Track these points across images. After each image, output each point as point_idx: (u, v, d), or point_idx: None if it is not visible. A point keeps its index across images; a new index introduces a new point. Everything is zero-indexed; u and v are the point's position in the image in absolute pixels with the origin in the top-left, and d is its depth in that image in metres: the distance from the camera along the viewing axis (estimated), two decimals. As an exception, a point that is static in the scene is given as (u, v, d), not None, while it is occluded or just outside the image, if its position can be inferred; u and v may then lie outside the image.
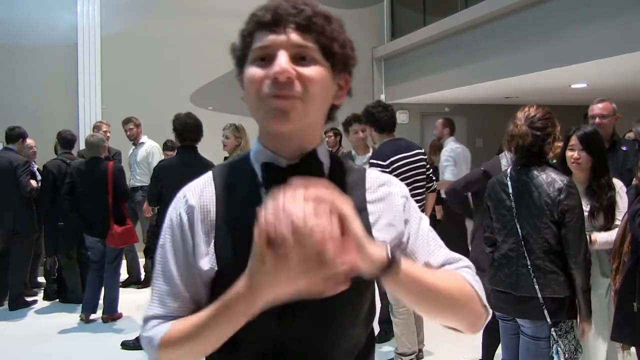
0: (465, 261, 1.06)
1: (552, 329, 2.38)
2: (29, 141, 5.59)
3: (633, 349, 2.77)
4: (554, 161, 2.89)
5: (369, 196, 1.04)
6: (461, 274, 1.01)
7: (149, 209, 5.23)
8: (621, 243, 2.69)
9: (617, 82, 6.56)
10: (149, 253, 5.55)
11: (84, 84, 7.28)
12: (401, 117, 8.95)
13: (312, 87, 0.91)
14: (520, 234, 2.45)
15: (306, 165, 0.98)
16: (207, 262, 0.97)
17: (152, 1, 7.60)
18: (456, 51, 7.00)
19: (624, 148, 3.55)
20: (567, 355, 2.35)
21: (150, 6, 7.57)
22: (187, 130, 3.98)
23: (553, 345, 2.40)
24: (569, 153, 2.80)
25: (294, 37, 0.91)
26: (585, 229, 2.45)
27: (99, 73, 7.33)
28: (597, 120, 3.54)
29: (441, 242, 1.07)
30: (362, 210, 1.00)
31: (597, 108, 3.59)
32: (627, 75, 6.03)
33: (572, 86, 6.94)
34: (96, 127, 5.98)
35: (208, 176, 1.04)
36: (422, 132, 9.14)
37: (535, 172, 2.43)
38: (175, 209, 1.02)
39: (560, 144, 3.44)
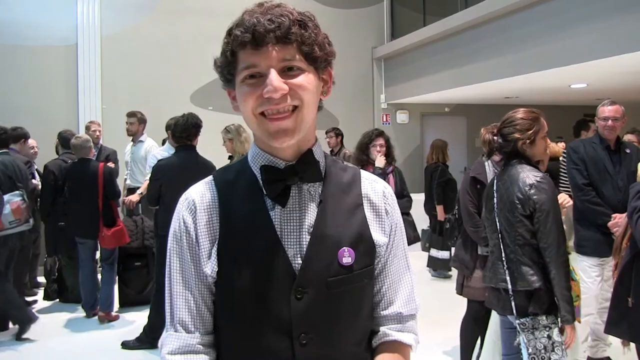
0: (410, 325, 1.11)
1: (516, 321, 2.40)
2: (30, 141, 5.59)
3: (633, 345, 2.76)
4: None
5: (365, 193, 1.08)
6: (398, 343, 1.08)
7: (132, 202, 5.07)
8: (622, 240, 2.69)
9: (616, 82, 6.56)
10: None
11: (84, 84, 7.28)
12: (401, 117, 8.96)
13: (304, 95, 0.96)
14: (499, 229, 2.53)
15: (304, 165, 1.01)
16: (210, 265, 1.00)
17: (152, 1, 7.60)
18: (456, 51, 7.00)
19: (627, 150, 3.58)
20: (530, 350, 2.34)
21: (150, 6, 7.57)
22: (178, 128, 3.98)
23: (517, 337, 2.42)
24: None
25: (278, 52, 0.94)
26: (561, 223, 2.45)
27: (99, 73, 7.33)
28: (609, 122, 3.51)
29: (402, 279, 1.11)
30: (358, 206, 1.05)
31: (609, 110, 3.52)
32: (627, 75, 6.04)
33: (572, 86, 6.94)
34: (86, 128, 5.94)
35: (209, 180, 1.07)
36: (422, 132, 9.14)
37: (513, 170, 2.51)
38: (178, 215, 1.03)
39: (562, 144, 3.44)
